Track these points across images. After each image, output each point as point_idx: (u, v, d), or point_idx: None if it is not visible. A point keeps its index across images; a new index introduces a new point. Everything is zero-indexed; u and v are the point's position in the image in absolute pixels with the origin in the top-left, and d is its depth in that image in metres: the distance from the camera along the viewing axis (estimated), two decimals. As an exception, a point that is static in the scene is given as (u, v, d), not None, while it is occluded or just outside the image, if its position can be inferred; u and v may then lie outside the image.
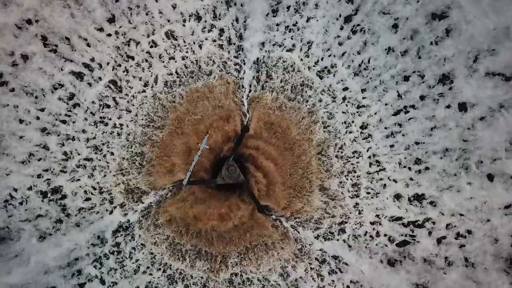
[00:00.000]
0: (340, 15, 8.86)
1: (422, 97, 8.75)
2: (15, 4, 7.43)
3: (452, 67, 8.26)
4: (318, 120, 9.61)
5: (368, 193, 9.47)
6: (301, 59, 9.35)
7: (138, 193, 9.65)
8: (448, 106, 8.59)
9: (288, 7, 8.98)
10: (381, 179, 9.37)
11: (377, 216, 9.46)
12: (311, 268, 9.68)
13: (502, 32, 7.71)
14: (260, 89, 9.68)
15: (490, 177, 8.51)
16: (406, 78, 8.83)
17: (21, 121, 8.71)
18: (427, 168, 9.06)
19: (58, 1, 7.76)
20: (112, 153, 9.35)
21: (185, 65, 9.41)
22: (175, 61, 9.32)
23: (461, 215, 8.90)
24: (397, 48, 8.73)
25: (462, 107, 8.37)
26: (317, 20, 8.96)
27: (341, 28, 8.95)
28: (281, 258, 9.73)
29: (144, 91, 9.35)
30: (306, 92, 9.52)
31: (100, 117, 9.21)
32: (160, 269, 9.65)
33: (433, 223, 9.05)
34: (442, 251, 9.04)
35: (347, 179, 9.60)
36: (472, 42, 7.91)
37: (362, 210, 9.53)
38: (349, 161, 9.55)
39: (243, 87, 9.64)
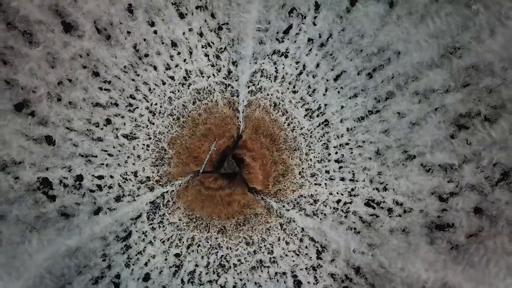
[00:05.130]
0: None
1: (374, 107, 11.64)
2: (73, 46, 10.30)
3: (393, 85, 11.15)
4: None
5: (351, 179, 12.16)
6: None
7: (167, 179, 12.64)
8: (393, 113, 11.47)
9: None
10: (364, 168, 12.04)
11: (352, 198, 12.22)
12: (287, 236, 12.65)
13: (423, 65, 10.68)
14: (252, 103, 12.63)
15: (423, 166, 11.42)
16: (363, 90, 11.70)
17: (67, 128, 11.56)
18: (385, 159, 11.93)
19: (104, 42, 10.73)
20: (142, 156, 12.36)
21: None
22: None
23: (408, 196, 11.82)
24: (360, 67, 11.59)
25: (400, 115, 11.26)
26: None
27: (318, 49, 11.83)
28: (266, 225, 12.71)
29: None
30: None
31: (137, 125, 12.10)
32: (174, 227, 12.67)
33: (396, 202, 11.79)
34: (393, 223, 11.97)
35: (329, 166, 12.34)
36: (404, 69, 10.84)
37: (336, 193, 12.39)
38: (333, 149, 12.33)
39: (238, 110, 12.56)
